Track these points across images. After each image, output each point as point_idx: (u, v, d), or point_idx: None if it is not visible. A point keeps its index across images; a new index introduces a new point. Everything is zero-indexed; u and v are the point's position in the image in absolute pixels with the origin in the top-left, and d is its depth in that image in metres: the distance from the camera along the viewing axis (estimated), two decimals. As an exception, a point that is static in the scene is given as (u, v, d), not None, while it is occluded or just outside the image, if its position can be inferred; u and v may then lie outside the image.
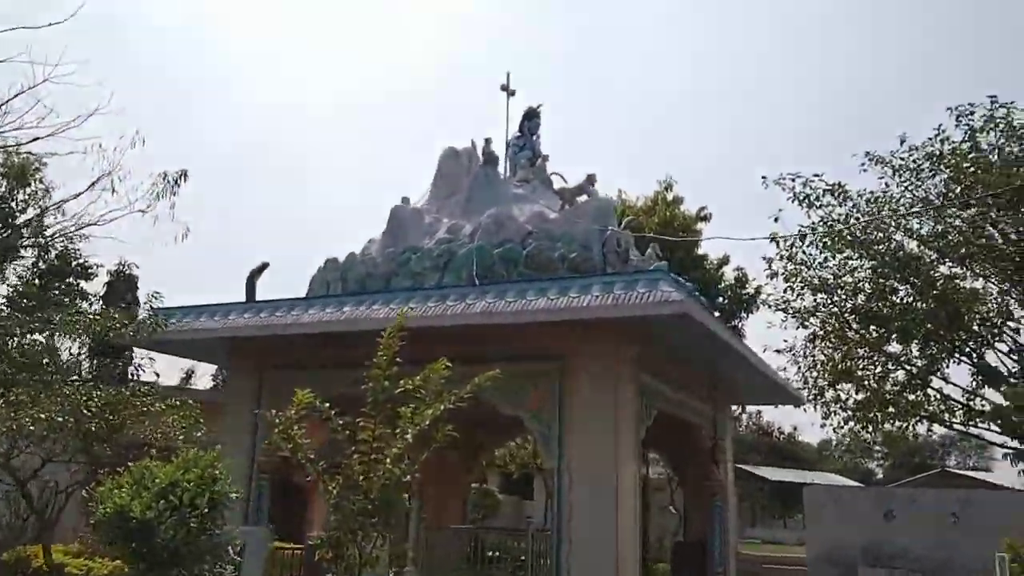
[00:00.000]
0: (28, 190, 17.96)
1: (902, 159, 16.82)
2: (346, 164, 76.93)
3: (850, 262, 17.86)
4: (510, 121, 12.36)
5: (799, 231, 17.53)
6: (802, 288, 18.17)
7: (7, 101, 14.82)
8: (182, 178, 16.46)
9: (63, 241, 17.83)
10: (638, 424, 9.04)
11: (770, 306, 17.97)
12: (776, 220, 16.96)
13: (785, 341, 18.56)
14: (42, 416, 8.62)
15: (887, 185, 17.18)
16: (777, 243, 17.43)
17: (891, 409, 18.78)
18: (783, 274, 18.05)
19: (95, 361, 16.80)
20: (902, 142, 16.65)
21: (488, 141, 11.64)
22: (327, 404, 6.11)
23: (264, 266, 11.43)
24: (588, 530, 8.42)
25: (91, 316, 10.99)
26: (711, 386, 11.33)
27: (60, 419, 8.67)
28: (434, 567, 11.40)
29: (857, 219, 17.30)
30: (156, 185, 15.81)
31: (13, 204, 17.80)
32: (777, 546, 27.24)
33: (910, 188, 17.01)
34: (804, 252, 17.82)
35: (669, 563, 13.42)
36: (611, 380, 8.74)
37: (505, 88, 12.37)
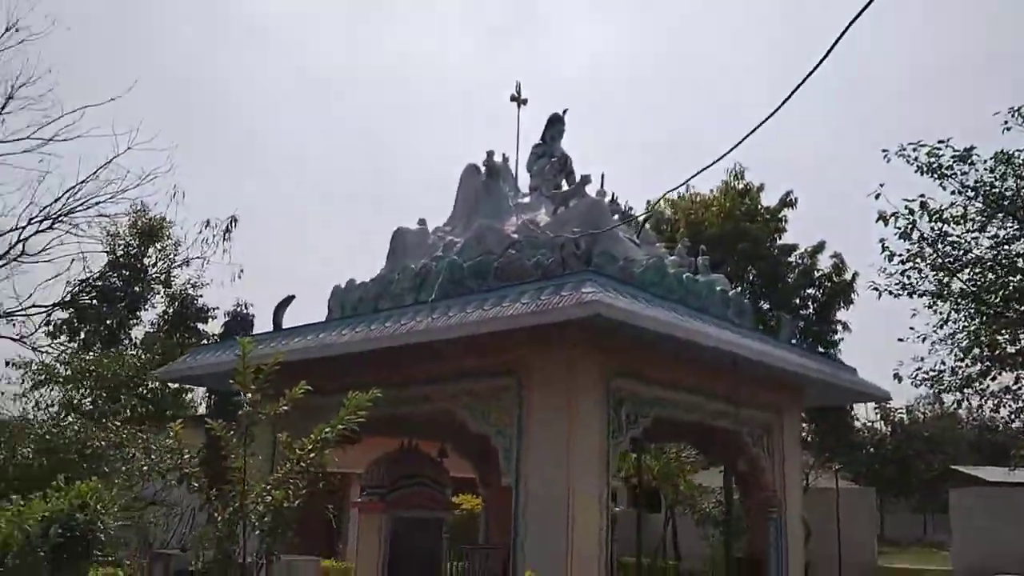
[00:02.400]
0: (158, 246, 20.20)
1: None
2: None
3: (1002, 231, 15.66)
4: (522, 131, 12.13)
5: (917, 203, 15.57)
6: (934, 267, 16.13)
7: (101, 168, 16.65)
8: (232, 223, 17.77)
9: (187, 290, 19.87)
10: (605, 436, 8.44)
11: (890, 292, 16.12)
12: (877, 197, 15.18)
13: (912, 329, 16.60)
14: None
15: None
16: (891, 219, 15.60)
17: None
18: (907, 255, 16.13)
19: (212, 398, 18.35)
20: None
21: (490, 153, 11.47)
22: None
23: (290, 299, 11.89)
24: (539, 551, 7.97)
25: (129, 359, 12.16)
26: (734, 386, 10.31)
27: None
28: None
29: (1017, 183, 15.18)
30: (211, 231, 17.28)
31: (145, 260, 20.04)
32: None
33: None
34: (933, 226, 15.84)
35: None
36: (565, 392, 8.24)
37: (515, 98, 12.13)
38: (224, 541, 6.64)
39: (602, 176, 11.12)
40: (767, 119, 5.14)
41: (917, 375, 20.38)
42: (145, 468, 9.89)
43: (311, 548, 17.13)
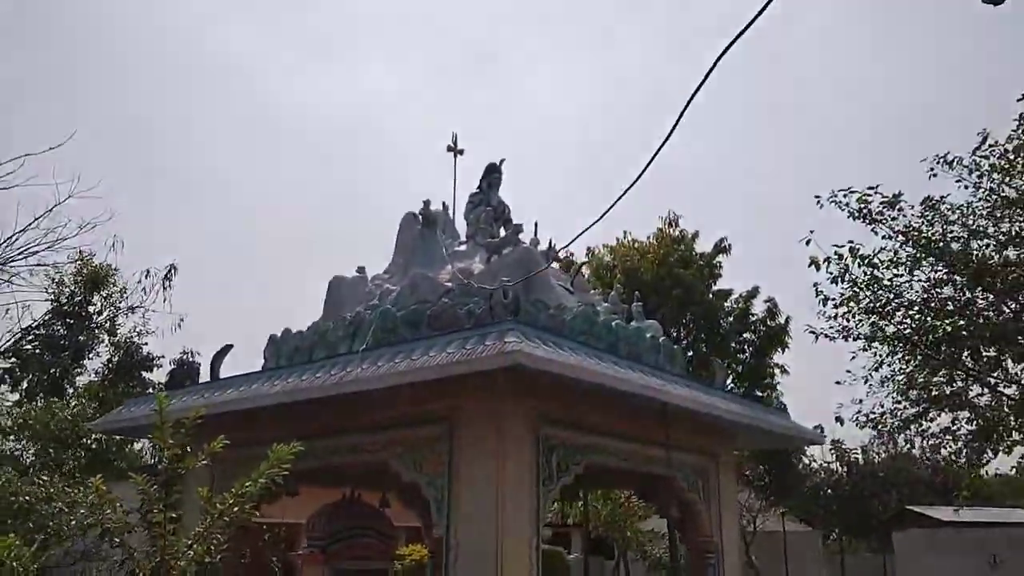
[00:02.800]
0: (103, 293, 20.03)
1: (983, 157, 15.16)
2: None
3: (932, 275, 16.20)
4: (458, 181, 12.35)
5: (847, 248, 16.05)
6: (867, 310, 16.58)
7: (42, 216, 16.58)
8: (172, 271, 17.78)
9: (132, 338, 19.68)
10: (535, 484, 8.52)
11: (826, 335, 16.51)
12: (808, 243, 15.64)
13: (848, 372, 16.99)
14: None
15: (968, 187, 15.50)
16: (823, 263, 16.04)
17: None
18: (840, 299, 16.56)
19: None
20: (983, 140, 15.07)
21: (426, 202, 11.67)
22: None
23: (227, 348, 11.86)
24: (470, 603, 7.98)
25: (62, 410, 12.04)
26: (665, 432, 10.48)
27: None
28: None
29: (944, 228, 15.75)
30: (147, 279, 17.28)
31: (90, 308, 19.84)
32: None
33: (996, 189, 15.28)
34: (865, 271, 16.32)
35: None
36: (494, 440, 8.33)
37: (452, 148, 12.38)
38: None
39: (535, 224, 11.39)
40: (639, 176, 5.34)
41: (857, 417, 20.83)
42: (73, 522, 9.73)
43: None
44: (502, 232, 12.03)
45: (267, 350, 11.14)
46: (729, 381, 17.07)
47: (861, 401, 17.15)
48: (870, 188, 15.69)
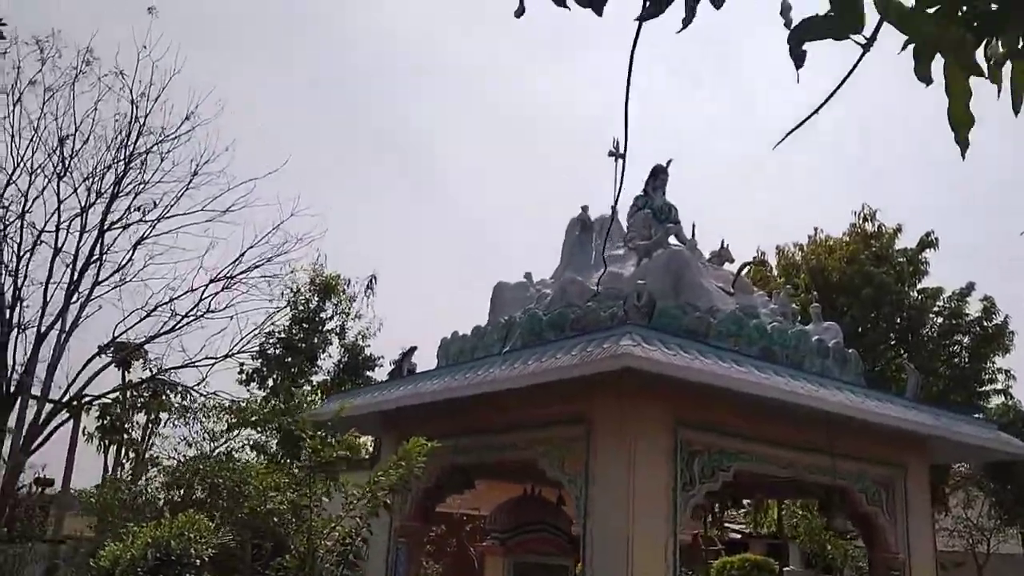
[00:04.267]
0: (334, 300, 22.32)
1: None
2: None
3: None
4: (619, 186, 12.37)
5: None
6: None
7: (268, 232, 18.81)
8: (373, 280, 19.32)
9: (357, 341, 21.75)
10: (671, 487, 8.47)
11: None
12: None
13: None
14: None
15: None
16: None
17: None
18: None
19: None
20: None
21: (584, 208, 11.88)
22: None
23: (412, 349, 12.85)
24: (601, 601, 8.12)
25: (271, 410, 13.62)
26: (828, 438, 9.86)
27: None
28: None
29: None
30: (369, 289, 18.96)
31: (323, 314, 22.19)
32: None
33: None
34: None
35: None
36: (627, 442, 8.40)
37: (614, 153, 12.46)
38: (295, 574, 7.45)
39: (692, 226, 11.18)
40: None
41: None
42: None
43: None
44: (674, 237, 11.96)
45: (439, 351, 11.94)
46: (938, 388, 15.48)
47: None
48: None
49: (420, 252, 66.73)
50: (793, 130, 1.41)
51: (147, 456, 19.60)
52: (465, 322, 12.51)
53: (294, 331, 21.56)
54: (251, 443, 19.20)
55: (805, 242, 17.39)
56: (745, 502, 19.08)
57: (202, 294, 20.01)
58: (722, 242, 12.63)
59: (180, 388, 20.85)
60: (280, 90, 62.80)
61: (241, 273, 19.44)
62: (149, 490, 15.19)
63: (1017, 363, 17.11)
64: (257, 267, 19.75)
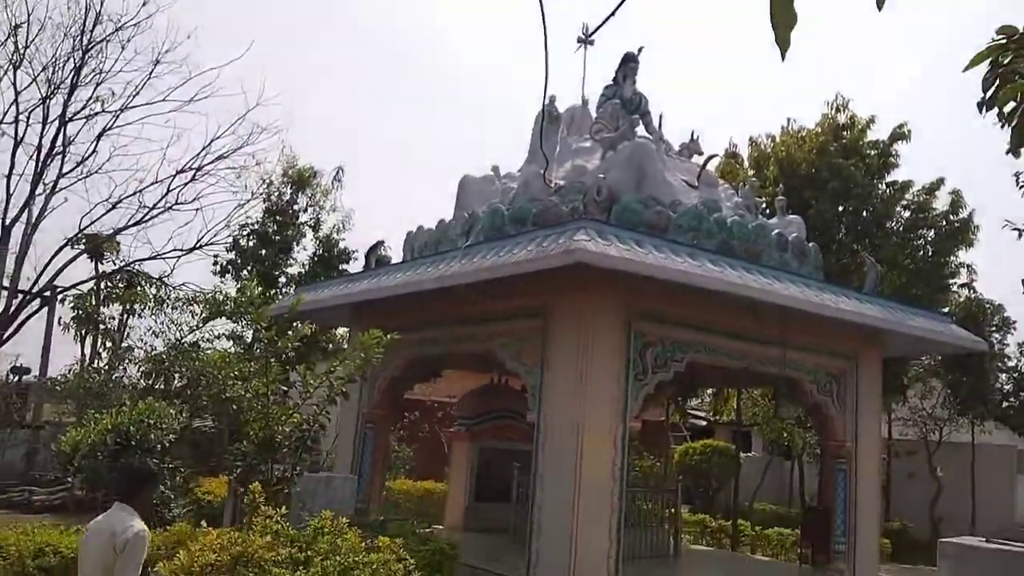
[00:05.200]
0: (308, 192, 22.10)
1: None
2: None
3: None
4: (587, 73, 12.13)
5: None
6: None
7: (235, 123, 18.44)
8: (340, 172, 19.19)
9: (333, 235, 21.68)
10: (624, 377, 8.69)
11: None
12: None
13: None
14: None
15: None
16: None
17: None
18: None
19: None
20: None
21: (552, 98, 11.61)
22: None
23: (379, 243, 12.86)
24: (552, 483, 8.46)
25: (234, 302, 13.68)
26: (780, 330, 10.06)
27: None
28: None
29: None
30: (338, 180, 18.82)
31: (296, 206, 22.02)
32: None
33: None
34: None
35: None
36: (583, 333, 8.56)
37: (583, 39, 12.11)
38: (253, 457, 7.67)
39: (659, 117, 11.05)
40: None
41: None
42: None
43: (430, 470, 18.57)
44: (642, 127, 11.81)
45: (404, 245, 11.96)
46: (901, 282, 15.68)
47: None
48: None
49: (397, 145, 65.77)
50: (608, 18, 1.39)
51: (123, 346, 19.75)
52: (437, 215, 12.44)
53: (268, 223, 21.41)
54: (228, 333, 19.39)
55: (778, 133, 17.22)
56: (709, 391, 19.63)
57: (169, 186, 19.79)
58: (692, 133, 12.54)
59: (155, 280, 20.88)
60: (252, -29, 60.22)
61: (208, 164, 19.17)
62: (125, 378, 15.45)
63: (980, 257, 17.38)
64: (223, 158, 19.48)
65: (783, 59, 1.45)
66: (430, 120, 72.11)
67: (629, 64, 12.24)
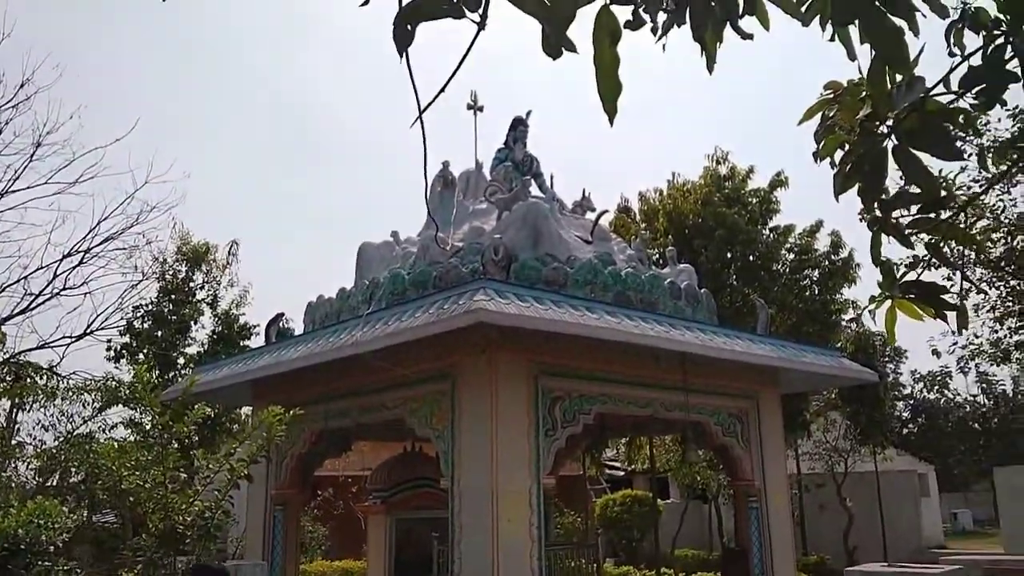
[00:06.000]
0: (204, 268, 21.58)
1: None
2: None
3: None
4: (479, 139, 12.45)
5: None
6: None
7: (123, 202, 17.99)
8: (235, 246, 18.98)
9: (232, 310, 21.17)
10: (534, 434, 8.72)
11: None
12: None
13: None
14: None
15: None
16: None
17: None
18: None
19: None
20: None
21: (445, 164, 11.86)
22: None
23: (279, 316, 12.62)
24: (470, 548, 8.35)
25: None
26: (682, 376, 10.34)
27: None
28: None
29: None
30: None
31: (192, 283, 21.44)
32: None
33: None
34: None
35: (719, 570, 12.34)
36: (489, 394, 8.57)
37: (472, 106, 12.46)
38: (154, 551, 7.29)
39: (551, 177, 11.37)
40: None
41: (953, 349, 19.56)
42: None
43: (348, 549, 18.02)
44: (535, 187, 12.09)
45: (305, 316, 11.80)
46: (792, 321, 16.44)
47: (953, 332, 16.25)
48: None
49: (292, 217, 65.13)
50: (429, 104, 1.46)
51: (13, 443, 18.60)
52: (338, 284, 12.35)
53: (163, 303, 20.73)
54: (125, 421, 18.51)
55: (665, 187, 17.95)
56: (622, 441, 19.84)
57: (55, 271, 18.98)
58: (583, 191, 12.91)
59: (45, 370, 19.83)
60: (139, 51, 59.37)
61: (96, 246, 18.53)
62: (15, 477, 14.48)
63: (864, 293, 18.29)
64: (112, 239, 18.87)
65: (611, 124, 1.55)
66: (327, 189, 71.88)
67: (519, 128, 12.62)
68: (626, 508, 20.38)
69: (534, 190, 11.85)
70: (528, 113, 12.80)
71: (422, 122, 1.67)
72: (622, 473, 24.86)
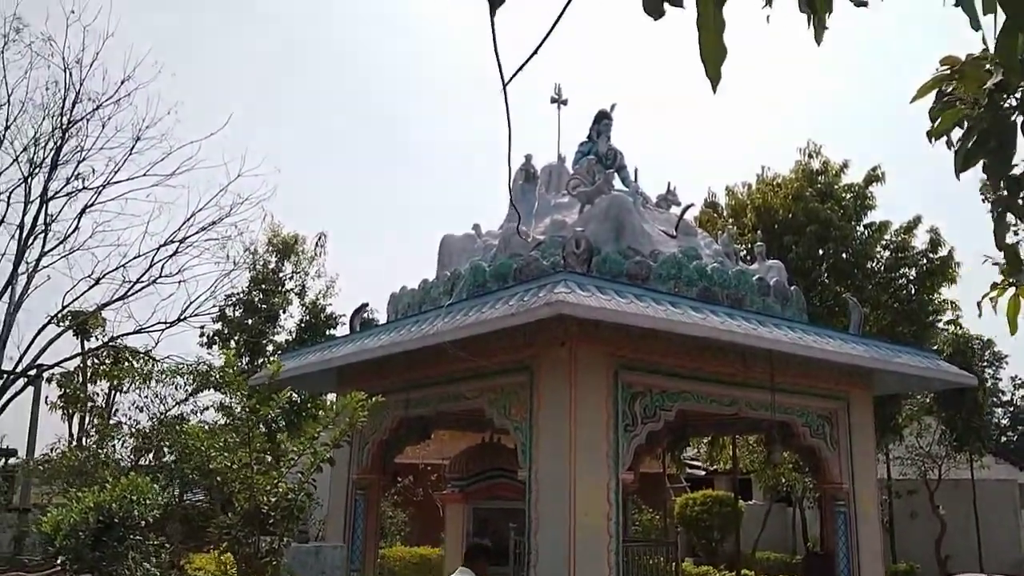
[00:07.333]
0: (293, 259, 22.15)
1: None
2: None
3: None
4: (562, 132, 12.35)
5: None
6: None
7: (217, 195, 18.50)
8: (323, 238, 19.32)
9: (318, 300, 21.69)
10: (612, 429, 8.60)
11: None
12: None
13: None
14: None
15: None
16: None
17: None
18: None
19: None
20: None
21: (528, 157, 11.81)
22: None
23: (363, 306, 12.85)
24: (547, 541, 8.30)
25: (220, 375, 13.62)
26: (769, 374, 10.01)
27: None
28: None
29: None
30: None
31: (282, 274, 22.04)
32: None
33: None
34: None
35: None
36: (569, 387, 8.49)
37: (555, 99, 12.36)
38: (239, 530, 7.50)
39: (635, 170, 11.18)
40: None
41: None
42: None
43: (426, 536, 18.22)
44: (617, 180, 11.93)
45: (388, 306, 11.94)
46: (886, 321, 15.76)
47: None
48: None
49: (380, 209, 66.28)
50: (517, 72, 1.40)
51: (111, 423, 19.50)
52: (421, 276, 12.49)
53: (254, 292, 21.37)
54: (216, 405, 19.18)
55: (754, 181, 17.46)
56: (704, 440, 19.48)
57: (152, 259, 19.78)
58: (668, 185, 12.66)
59: (142, 354, 20.70)
60: (233, 45, 61.38)
61: (191, 236, 19.24)
62: (112, 455, 15.17)
63: (964, 293, 17.42)
64: (205, 229, 19.56)
65: (714, 92, 1.46)
66: (416, 184, 72.87)
67: (603, 121, 12.43)
68: (706, 508, 20.00)
69: (617, 184, 11.68)
70: (612, 106, 12.60)
71: (507, 103, 1.60)
72: (703, 473, 24.43)
